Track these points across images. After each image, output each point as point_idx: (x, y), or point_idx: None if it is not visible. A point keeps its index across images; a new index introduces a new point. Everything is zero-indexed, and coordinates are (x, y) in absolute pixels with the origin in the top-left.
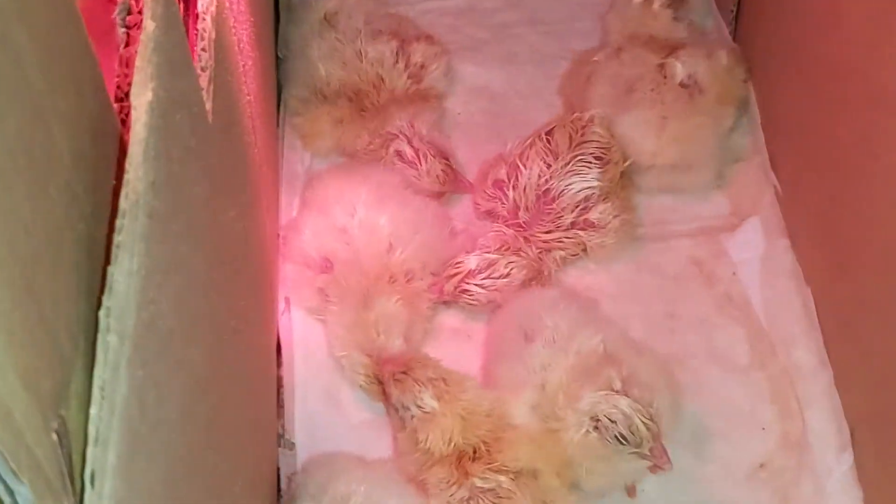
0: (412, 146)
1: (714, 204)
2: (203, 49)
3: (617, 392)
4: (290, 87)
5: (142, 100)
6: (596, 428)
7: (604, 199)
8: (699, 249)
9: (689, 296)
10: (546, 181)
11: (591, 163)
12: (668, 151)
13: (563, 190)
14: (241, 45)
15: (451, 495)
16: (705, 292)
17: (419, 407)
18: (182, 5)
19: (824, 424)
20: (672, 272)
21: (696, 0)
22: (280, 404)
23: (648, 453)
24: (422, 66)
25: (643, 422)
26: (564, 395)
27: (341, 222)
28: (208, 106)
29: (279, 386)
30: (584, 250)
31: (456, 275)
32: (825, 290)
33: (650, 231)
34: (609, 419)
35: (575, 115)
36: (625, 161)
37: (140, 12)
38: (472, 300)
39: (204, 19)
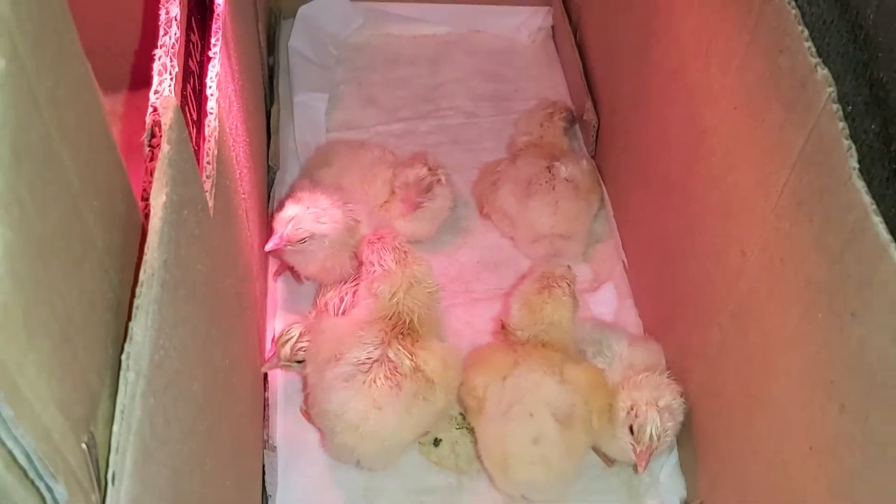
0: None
1: (581, 272)
2: (208, 162)
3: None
4: None
5: (158, 201)
6: (628, 414)
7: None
8: None
9: None
10: None
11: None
12: (560, 224)
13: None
14: (238, 159)
15: (368, 351)
16: None
17: (381, 265)
18: (194, 130)
19: None
20: None
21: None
22: (266, 417)
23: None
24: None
25: (657, 432)
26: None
27: None
28: (210, 204)
29: (265, 404)
30: None
31: None
32: (658, 340)
33: None
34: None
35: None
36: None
37: (161, 136)
38: None
39: (209, 141)
